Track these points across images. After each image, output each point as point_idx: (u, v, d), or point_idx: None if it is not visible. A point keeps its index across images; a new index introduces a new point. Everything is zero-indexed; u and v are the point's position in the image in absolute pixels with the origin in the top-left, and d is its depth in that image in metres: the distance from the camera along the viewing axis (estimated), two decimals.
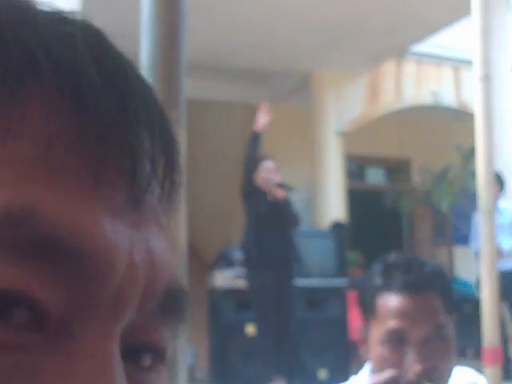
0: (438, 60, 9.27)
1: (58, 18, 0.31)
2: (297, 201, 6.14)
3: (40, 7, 0.31)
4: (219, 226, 9.64)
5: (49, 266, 0.27)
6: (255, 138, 5.60)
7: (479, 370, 1.74)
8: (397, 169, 10.48)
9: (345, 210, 8.42)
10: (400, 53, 8.56)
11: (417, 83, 9.21)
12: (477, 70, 2.35)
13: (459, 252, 9.58)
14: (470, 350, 7.08)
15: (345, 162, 8.72)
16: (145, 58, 1.31)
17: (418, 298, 1.37)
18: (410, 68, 9.15)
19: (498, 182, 5.71)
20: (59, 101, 0.29)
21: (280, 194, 5.55)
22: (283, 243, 5.55)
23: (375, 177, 10.77)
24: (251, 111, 6.03)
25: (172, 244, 0.33)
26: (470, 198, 4.87)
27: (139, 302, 0.30)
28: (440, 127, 10.19)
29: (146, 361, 0.32)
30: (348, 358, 6.36)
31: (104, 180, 0.29)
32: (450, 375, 1.37)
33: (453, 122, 9.62)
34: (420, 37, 7.86)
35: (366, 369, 1.48)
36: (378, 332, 1.37)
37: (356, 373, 1.56)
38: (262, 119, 5.65)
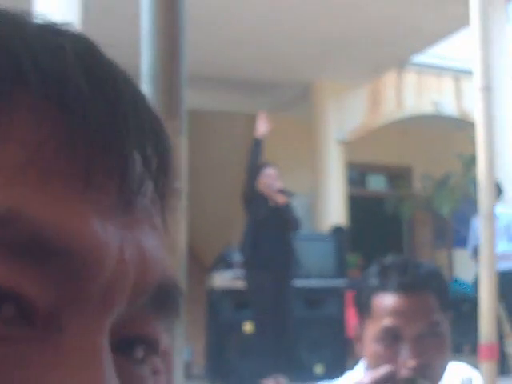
0: (439, 70, 9.30)
1: (50, 30, 0.32)
2: (298, 206, 6.18)
3: (33, 19, 0.32)
4: (219, 231, 9.66)
5: (37, 265, 0.28)
6: (257, 145, 5.70)
7: (475, 365, 1.76)
8: (398, 176, 10.50)
9: (345, 216, 8.45)
10: (400, 63, 8.59)
11: (417, 93, 9.23)
12: (477, 80, 2.36)
13: (459, 254, 9.59)
14: (466, 346, 7.15)
15: (346, 169, 8.75)
16: (146, 70, 1.34)
17: (413, 298, 1.38)
18: (410, 78, 9.17)
19: (497, 189, 5.78)
20: (47, 108, 0.29)
21: (281, 199, 5.61)
22: (282, 246, 5.60)
23: (376, 183, 10.79)
24: (253, 121, 6.08)
25: (170, 244, 0.33)
26: (471, 203, 4.90)
27: (130, 296, 0.30)
28: (441, 136, 10.20)
29: (139, 353, 0.33)
30: (344, 354, 6.39)
31: (93, 183, 0.29)
32: (444, 371, 1.39)
33: (454, 131, 9.64)
34: (420, 47, 7.90)
35: (361, 365, 1.50)
36: (372, 330, 1.39)
37: (351, 368, 1.58)
38: (262, 127, 5.76)
